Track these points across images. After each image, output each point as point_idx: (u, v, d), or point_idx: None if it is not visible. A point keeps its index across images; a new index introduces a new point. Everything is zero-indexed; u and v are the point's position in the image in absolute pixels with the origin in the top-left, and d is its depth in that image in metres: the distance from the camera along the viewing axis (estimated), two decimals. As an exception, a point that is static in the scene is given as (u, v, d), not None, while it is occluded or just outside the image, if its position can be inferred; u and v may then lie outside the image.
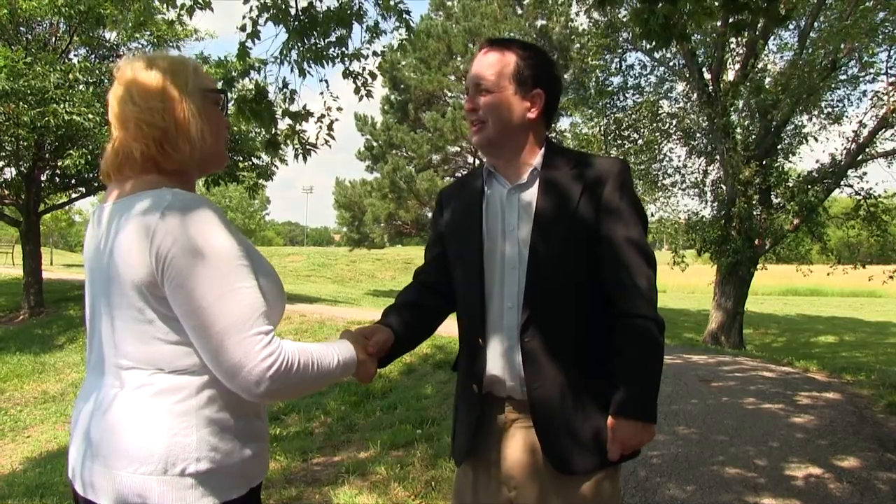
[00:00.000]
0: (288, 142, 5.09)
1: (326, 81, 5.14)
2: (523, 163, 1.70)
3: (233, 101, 4.80)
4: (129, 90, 1.32)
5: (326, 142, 5.24)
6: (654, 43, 3.36)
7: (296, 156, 5.11)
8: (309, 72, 4.71)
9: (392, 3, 5.04)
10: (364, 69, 5.15)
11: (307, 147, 5.11)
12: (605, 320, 1.64)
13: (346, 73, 5.13)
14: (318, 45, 4.63)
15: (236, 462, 1.30)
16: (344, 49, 4.77)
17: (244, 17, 4.54)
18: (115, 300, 1.29)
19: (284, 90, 4.80)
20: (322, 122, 5.14)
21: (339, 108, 5.22)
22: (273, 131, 4.96)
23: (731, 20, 3.52)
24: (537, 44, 21.91)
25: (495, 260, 1.69)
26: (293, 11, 4.52)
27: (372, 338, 1.62)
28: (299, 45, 4.57)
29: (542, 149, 1.71)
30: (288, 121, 4.95)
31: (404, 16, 5.08)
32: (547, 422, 1.63)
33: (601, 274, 1.63)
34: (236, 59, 4.65)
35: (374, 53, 5.16)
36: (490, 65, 1.67)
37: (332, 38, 4.68)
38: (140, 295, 1.25)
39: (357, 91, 5.19)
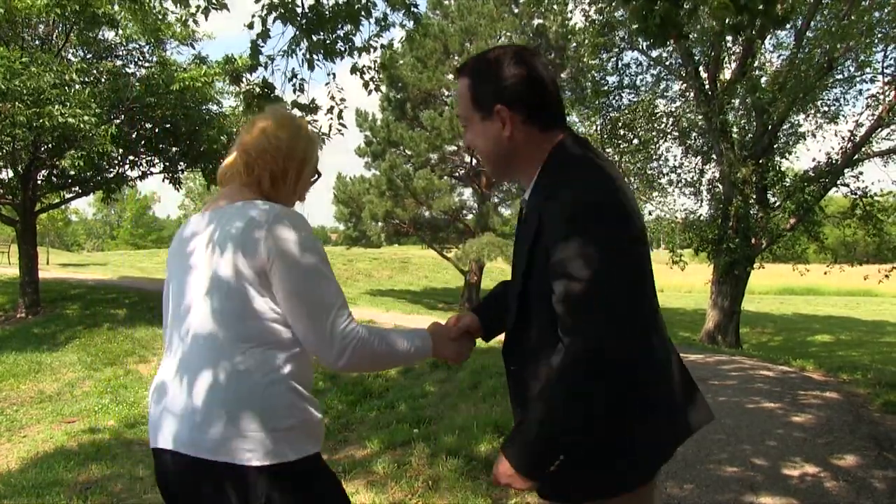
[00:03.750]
0: None
1: (334, 74, 5.18)
2: (530, 177, 1.58)
3: (241, 97, 4.95)
4: (276, 135, 1.72)
5: (339, 130, 5.28)
6: (651, 41, 3.37)
7: None
8: (319, 65, 4.73)
9: None
10: (375, 62, 5.20)
11: (320, 135, 5.15)
12: None
13: (354, 70, 5.16)
14: (327, 41, 4.64)
15: (313, 423, 1.59)
16: (351, 44, 4.79)
17: (253, 16, 4.54)
18: (222, 285, 1.55)
19: (294, 80, 4.83)
20: (332, 112, 5.18)
21: (342, 100, 5.25)
22: None
23: (729, 21, 3.52)
24: (535, 44, 21.77)
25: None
26: (300, 10, 4.52)
27: (458, 324, 1.81)
28: (307, 40, 4.58)
29: (544, 161, 1.55)
30: (298, 112, 4.98)
31: (412, 9, 5.09)
32: None
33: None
34: (249, 58, 4.65)
35: (382, 46, 5.19)
36: (458, 97, 1.61)
37: (340, 34, 4.69)
38: (248, 281, 1.54)
39: (366, 86, 5.27)
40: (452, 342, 1.80)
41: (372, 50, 5.08)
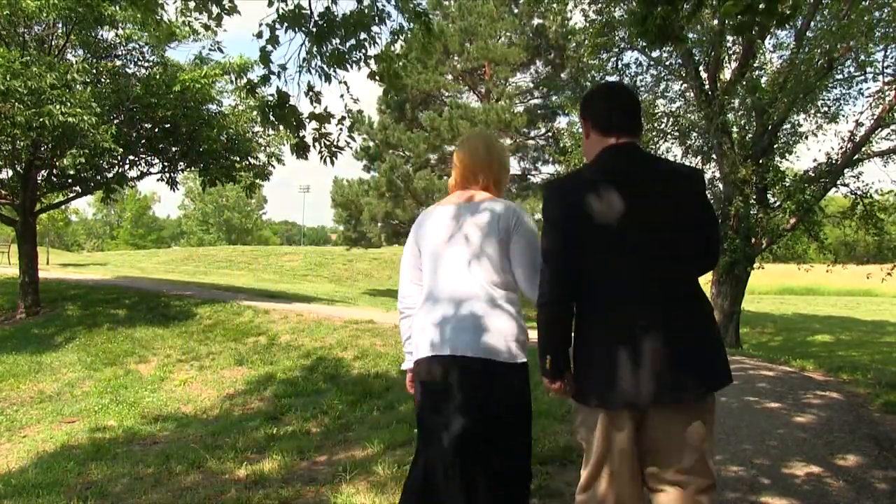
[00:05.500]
0: (316, 143, 5.06)
1: (346, 84, 5.09)
2: None
3: (256, 107, 4.91)
4: (500, 159, 2.63)
5: (348, 143, 5.20)
6: (651, 43, 3.37)
7: (322, 159, 5.10)
8: (335, 77, 4.69)
9: (411, 5, 5.01)
10: (390, 69, 5.13)
11: (333, 149, 5.08)
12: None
13: (372, 75, 5.10)
14: (340, 50, 4.60)
15: (527, 340, 2.44)
16: (364, 52, 4.75)
17: (261, 24, 4.50)
18: (489, 248, 2.41)
19: (310, 93, 4.78)
20: (343, 123, 5.10)
21: (359, 111, 5.20)
22: (301, 134, 4.93)
23: (730, 22, 3.51)
24: (535, 44, 21.73)
25: None
26: (310, 16, 4.48)
27: None
28: (318, 48, 4.54)
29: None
30: (314, 123, 4.93)
31: (423, 18, 5.05)
32: None
33: None
34: (259, 62, 4.61)
35: (398, 56, 5.14)
36: None
37: (353, 42, 4.65)
38: (501, 247, 2.41)
39: (386, 93, 5.25)
40: None
41: (389, 60, 5.03)
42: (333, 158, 5.13)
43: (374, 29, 4.77)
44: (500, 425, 2.36)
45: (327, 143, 5.03)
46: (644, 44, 12.87)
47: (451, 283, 2.44)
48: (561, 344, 2.18)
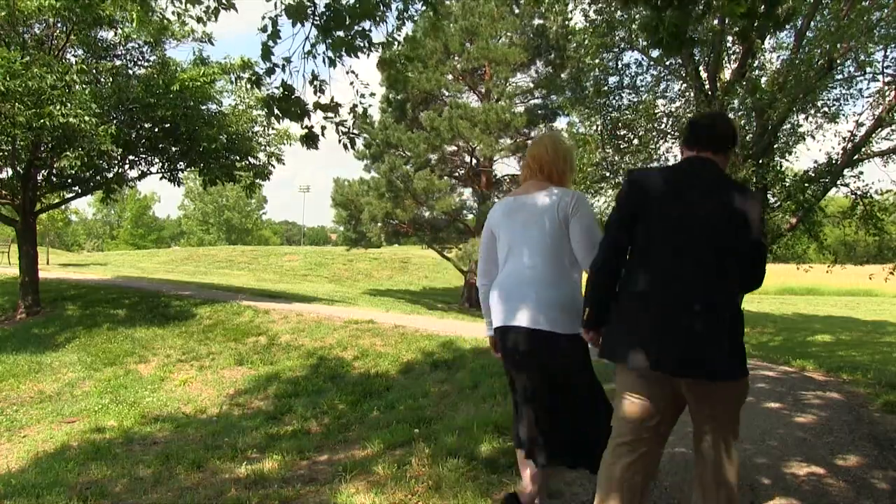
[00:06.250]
0: (324, 133, 5.06)
1: (354, 72, 5.08)
2: None
3: (261, 101, 4.89)
4: (564, 155, 3.07)
5: (362, 130, 5.21)
6: (666, 52, 3.38)
7: (345, 147, 5.12)
8: (341, 63, 4.68)
9: None
10: (399, 57, 5.15)
11: (350, 135, 5.09)
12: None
13: (381, 62, 5.11)
14: (348, 37, 4.59)
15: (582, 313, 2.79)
16: (369, 40, 4.74)
17: (264, 18, 4.49)
18: (554, 228, 2.87)
19: (315, 83, 4.78)
20: (355, 111, 5.09)
21: (372, 94, 5.18)
22: (309, 125, 4.92)
23: (734, 27, 3.53)
24: (535, 44, 21.69)
25: None
26: (313, 10, 4.47)
27: None
28: (325, 38, 4.53)
29: None
30: (321, 114, 4.93)
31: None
32: None
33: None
34: (261, 58, 4.60)
35: (406, 39, 5.14)
36: None
37: (358, 29, 4.64)
38: (563, 226, 2.85)
39: (390, 85, 5.21)
40: None
41: (396, 44, 5.02)
42: (353, 144, 5.18)
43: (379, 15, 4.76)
44: (562, 382, 2.87)
45: (344, 129, 5.06)
46: (644, 44, 12.88)
47: (521, 263, 2.92)
48: (599, 300, 2.62)
